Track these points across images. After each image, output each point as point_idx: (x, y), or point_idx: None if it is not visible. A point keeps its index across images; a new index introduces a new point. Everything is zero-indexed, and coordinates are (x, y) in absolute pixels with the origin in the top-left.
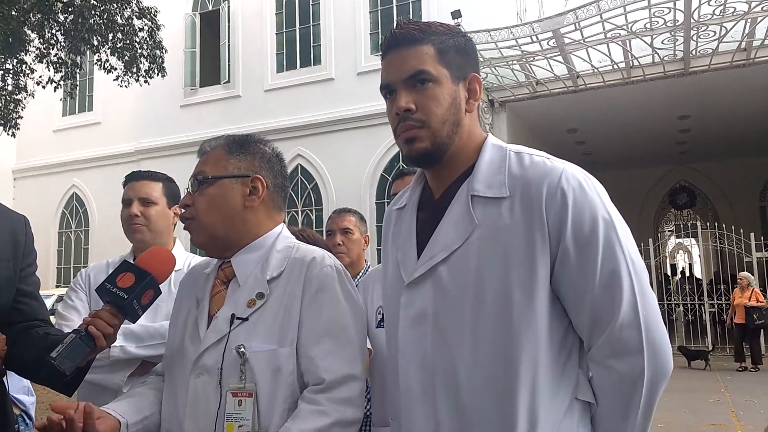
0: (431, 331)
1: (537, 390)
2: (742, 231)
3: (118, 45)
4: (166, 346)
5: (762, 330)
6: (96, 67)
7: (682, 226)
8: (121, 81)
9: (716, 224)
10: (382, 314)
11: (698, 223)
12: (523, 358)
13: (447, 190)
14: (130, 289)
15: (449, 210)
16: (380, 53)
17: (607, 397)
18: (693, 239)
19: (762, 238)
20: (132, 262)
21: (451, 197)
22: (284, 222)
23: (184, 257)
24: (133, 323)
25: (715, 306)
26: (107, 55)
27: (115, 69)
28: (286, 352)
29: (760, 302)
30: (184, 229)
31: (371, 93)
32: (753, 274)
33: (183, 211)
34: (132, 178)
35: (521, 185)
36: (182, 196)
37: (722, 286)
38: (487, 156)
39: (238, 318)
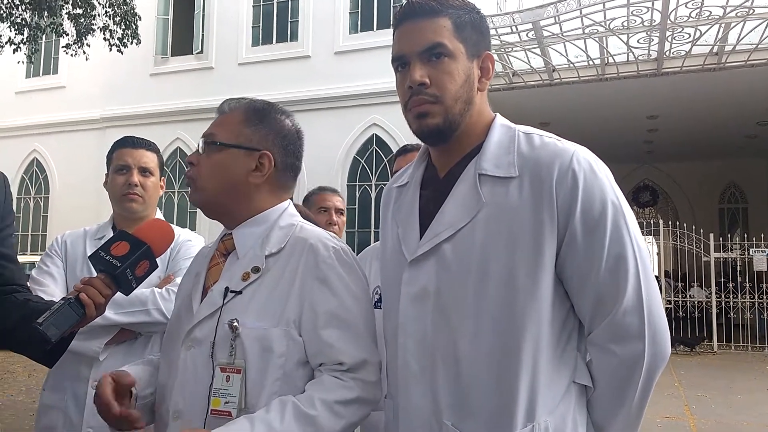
0: (432, 309)
1: (537, 372)
2: (702, 231)
3: (74, 12)
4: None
5: None
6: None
7: (644, 224)
8: (69, 50)
9: (677, 223)
10: (380, 294)
11: (660, 222)
12: (525, 340)
13: (453, 168)
14: (124, 257)
15: (455, 188)
16: (392, 27)
17: (605, 381)
18: (653, 237)
19: (720, 239)
20: (126, 231)
21: (457, 176)
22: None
23: None
24: (127, 296)
25: (672, 302)
26: (62, 20)
27: (68, 35)
28: (278, 332)
29: None
30: (187, 185)
31: (348, 73)
32: (710, 273)
33: (187, 168)
34: (128, 144)
35: (531, 165)
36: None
37: (679, 284)
38: (496, 135)
39: (231, 291)
